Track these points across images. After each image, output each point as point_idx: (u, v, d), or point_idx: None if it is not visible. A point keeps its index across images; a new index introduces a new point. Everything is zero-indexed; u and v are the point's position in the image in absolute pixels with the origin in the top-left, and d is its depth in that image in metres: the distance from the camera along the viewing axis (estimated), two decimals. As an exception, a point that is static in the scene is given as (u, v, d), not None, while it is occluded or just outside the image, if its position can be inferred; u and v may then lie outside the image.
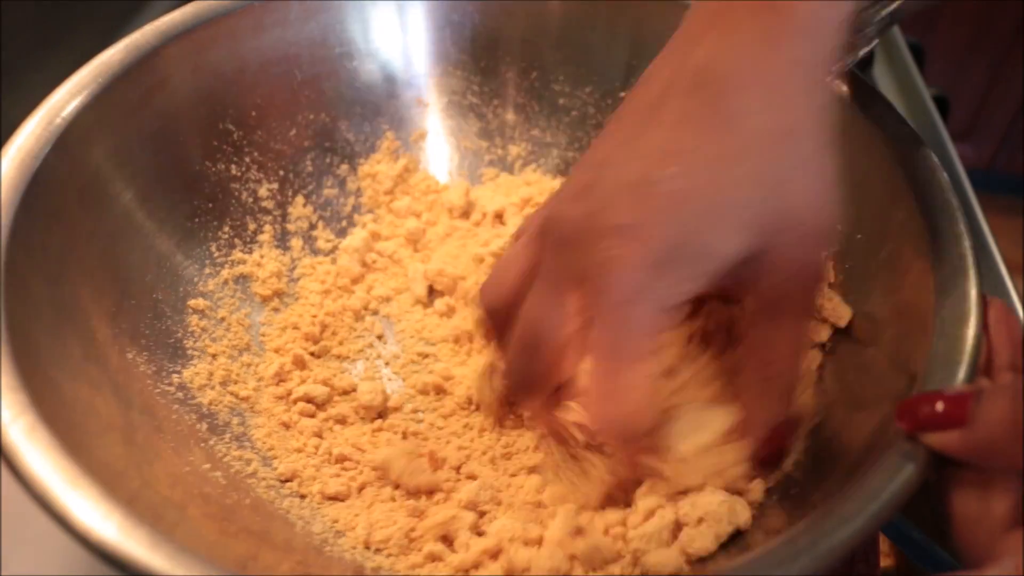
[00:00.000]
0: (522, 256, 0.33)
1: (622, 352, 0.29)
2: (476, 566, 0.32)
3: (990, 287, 0.31)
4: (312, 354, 0.42)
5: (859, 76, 0.39)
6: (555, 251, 0.31)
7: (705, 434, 0.31)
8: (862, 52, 0.35)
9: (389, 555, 0.33)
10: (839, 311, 0.37)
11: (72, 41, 0.55)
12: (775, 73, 0.29)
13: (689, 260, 0.28)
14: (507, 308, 0.34)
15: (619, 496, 0.33)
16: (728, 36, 0.29)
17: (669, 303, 0.29)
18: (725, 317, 0.36)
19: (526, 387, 0.34)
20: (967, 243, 0.32)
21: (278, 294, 0.44)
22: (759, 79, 0.29)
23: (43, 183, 0.33)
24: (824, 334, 0.37)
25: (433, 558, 0.33)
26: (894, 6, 0.34)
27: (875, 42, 0.35)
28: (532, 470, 0.36)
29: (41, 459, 0.26)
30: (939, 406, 0.26)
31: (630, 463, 0.32)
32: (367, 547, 0.34)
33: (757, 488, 0.32)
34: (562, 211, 0.31)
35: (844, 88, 0.38)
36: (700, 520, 0.30)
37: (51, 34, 0.55)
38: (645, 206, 0.28)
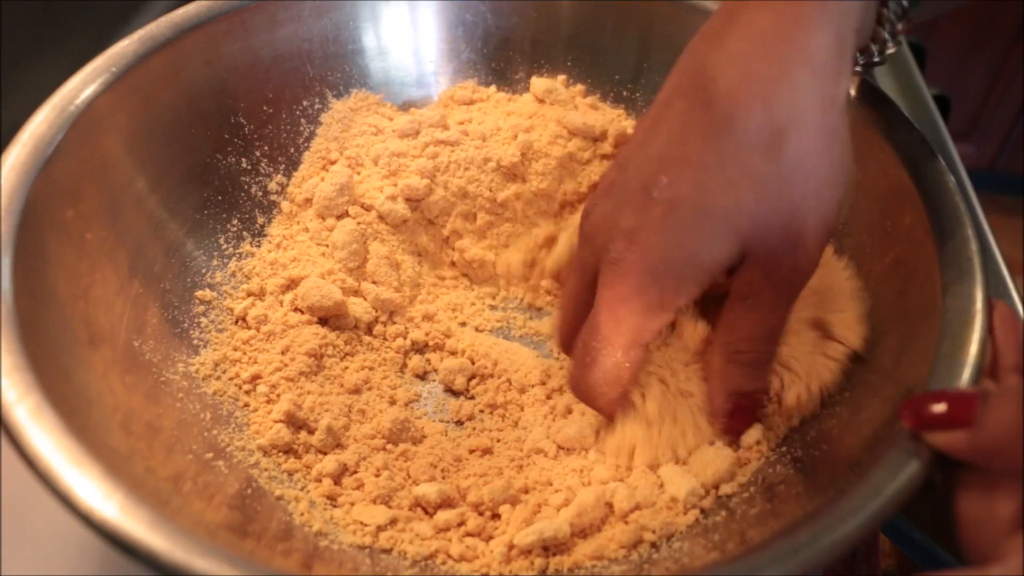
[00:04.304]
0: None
1: (607, 340, 0.32)
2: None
3: (991, 287, 0.31)
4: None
5: (864, 79, 0.39)
6: (581, 244, 0.35)
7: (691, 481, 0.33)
8: (877, 56, 0.35)
9: (390, 551, 0.33)
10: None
11: (71, 41, 0.55)
12: (773, 69, 0.29)
13: (679, 268, 0.30)
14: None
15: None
16: (737, 30, 0.30)
17: (660, 306, 0.31)
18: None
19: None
20: (974, 247, 0.32)
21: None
22: (750, 78, 0.29)
23: (56, 169, 0.34)
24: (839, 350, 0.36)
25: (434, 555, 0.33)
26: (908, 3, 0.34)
27: (891, 46, 0.35)
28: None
29: (46, 438, 0.26)
30: (945, 406, 0.26)
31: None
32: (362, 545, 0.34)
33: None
34: (589, 208, 0.34)
35: (851, 91, 0.38)
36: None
37: (50, 34, 0.55)
38: (645, 214, 0.30)
